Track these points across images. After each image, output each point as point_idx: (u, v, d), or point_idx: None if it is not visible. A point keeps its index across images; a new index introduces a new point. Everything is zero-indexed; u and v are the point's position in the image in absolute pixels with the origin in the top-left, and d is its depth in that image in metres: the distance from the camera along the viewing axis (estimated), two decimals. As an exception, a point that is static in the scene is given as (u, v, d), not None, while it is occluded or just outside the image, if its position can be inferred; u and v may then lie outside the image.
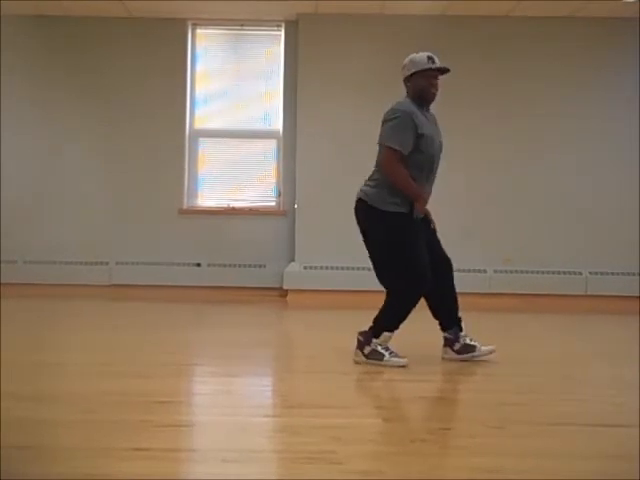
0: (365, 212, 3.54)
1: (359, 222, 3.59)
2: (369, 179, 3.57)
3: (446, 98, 6.90)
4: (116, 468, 1.73)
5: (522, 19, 6.94)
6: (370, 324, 3.47)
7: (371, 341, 3.41)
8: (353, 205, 3.58)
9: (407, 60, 3.64)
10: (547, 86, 7.00)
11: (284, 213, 7.04)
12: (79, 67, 7.16)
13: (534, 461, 1.88)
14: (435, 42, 7.01)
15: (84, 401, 2.48)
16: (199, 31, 7.36)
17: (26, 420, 2.19)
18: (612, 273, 6.87)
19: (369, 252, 3.60)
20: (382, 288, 6.76)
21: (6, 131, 7.06)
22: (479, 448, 1.99)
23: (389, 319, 3.46)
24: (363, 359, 3.40)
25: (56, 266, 6.98)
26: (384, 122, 3.52)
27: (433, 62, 3.54)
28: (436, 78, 3.57)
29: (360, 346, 3.44)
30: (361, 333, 3.45)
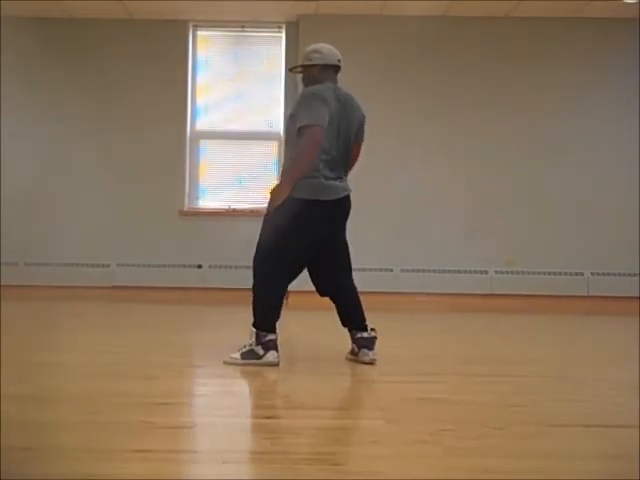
0: None
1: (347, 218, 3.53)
2: (342, 175, 3.49)
3: (447, 98, 6.99)
4: (117, 469, 1.73)
5: (522, 19, 6.95)
6: (367, 323, 3.50)
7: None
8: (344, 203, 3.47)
9: (323, 47, 3.56)
10: (547, 86, 7.01)
11: (285, 214, 7.04)
12: (80, 69, 7.17)
13: (534, 462, 1.88)
14: (436, 43, 7.05)
15: (85, 402, 2.48)
16: (200, 33, 7.37)
17: (27, 421, 2.19)
18: (614, 274, 6.87)
19: (345, 249, 3.56)
20: (385, 289, 6.73)
21: (6, 132, 7.07)
22: (479, 449, 1.99)
23: None
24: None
25: (57, 268, 6.99)
26: (364, 120, 3.61)
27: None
28: None
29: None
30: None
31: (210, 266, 7.09)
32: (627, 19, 6.86)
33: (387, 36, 6.98)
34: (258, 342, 3.28)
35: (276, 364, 3.26)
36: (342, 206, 3.44)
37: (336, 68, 3.56)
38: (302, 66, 3.59)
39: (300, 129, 3.26)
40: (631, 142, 6.94)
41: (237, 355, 3.32)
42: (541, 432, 2.20)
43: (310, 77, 3.53)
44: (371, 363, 3.38)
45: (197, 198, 7.29)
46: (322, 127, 3.25)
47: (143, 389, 2.76)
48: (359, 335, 3.44)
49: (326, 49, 3.54)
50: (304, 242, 3.36)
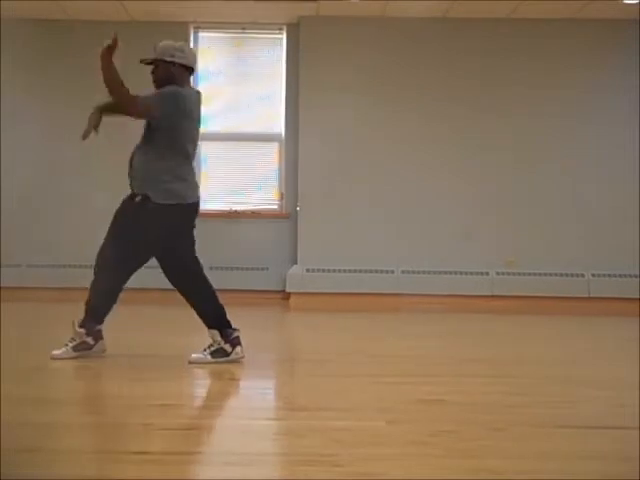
0: None
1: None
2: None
3: (447, 99, 7.00)
4: (118, 471, 1.73)
5: (523, 21, 6.96)
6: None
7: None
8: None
9: (186, 47, 3.49)
10: (548, 87, 7.01)
11: (286, 216, 7.04)
12: (80, 70, 7.15)
13: (535, 463, 1.88)
14: (436, 44, 7.06)
15: (84, 404, 2.49)
16: (201, 34, 7.38)
17: (26, 422, 2.19)
18: (614, 275, 6.87)
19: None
20: (386, 290, 6.72)
21: (7, 133, 7.07)
22: (480, 450, 1.99)
23: None
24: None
25: (58, 270, 6.99)
26: None
27: None
28: None
29: None
30: None
31: (211, 268, 7.06)
32: (627, 20, 6.87)
33: (387, 38, 6.99)
34: (227, 340, 3.32)
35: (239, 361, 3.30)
36: (197, 208, 3.52)
37: (192, 72, 3.44)
38: (160, 60, 3.42)
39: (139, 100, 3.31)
40: (631, 142, 6.94)
41: (204, 355, 3.33)
42: (541, 433, 2.20)
43: (166, 75, 3.40)
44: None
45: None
46: (149, 114, 3.40)
47: (143, 391, 2.76)
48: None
49: (188, 49, 3.43)
50: (164, 242, 3.46)
